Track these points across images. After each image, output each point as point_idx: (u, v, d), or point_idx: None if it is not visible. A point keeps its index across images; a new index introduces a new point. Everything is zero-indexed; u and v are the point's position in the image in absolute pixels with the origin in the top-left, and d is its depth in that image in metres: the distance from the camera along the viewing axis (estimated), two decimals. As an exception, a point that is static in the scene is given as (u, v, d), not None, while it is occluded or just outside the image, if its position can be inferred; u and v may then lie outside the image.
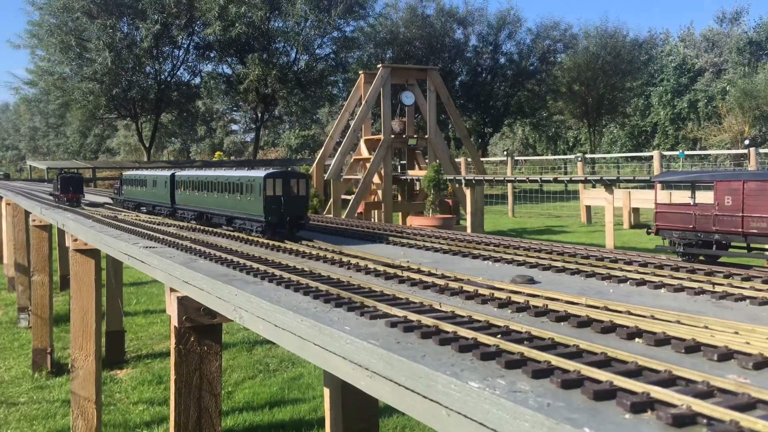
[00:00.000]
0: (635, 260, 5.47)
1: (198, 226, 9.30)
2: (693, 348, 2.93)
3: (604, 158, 52.73)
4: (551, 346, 2.95)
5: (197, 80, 59.62)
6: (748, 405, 2.20)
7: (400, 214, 27.45)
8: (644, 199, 31.02)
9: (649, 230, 5.67)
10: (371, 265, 5.41)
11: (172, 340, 5.98)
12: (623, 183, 25.32)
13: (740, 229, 4.80)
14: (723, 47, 79.63)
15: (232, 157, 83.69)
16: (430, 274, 4.96)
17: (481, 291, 4.24)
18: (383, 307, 3.79)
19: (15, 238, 20.67)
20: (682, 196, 16.69)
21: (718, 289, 4.23)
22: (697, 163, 46.63)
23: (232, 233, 8.18)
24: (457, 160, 36.79)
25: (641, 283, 4.60)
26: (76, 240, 10.19)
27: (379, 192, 26.88)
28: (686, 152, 39.27)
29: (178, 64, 58.03)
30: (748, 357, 2.73)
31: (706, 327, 3.18)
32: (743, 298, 4.04)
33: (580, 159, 40.29)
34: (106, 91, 52.97)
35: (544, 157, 66.63)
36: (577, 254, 5.98)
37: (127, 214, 11.83)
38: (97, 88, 52.38)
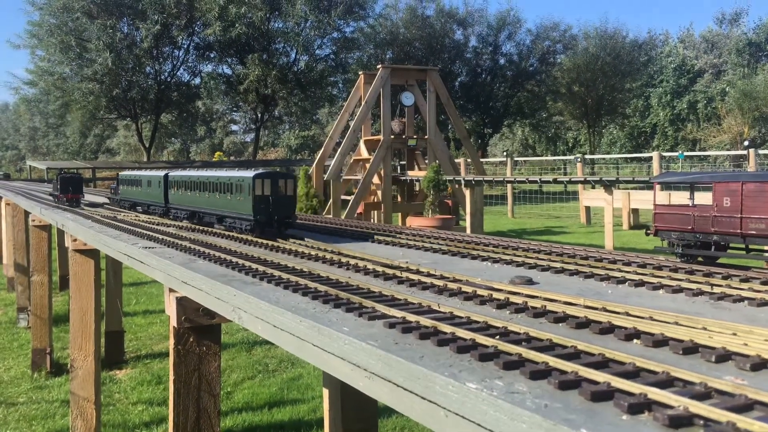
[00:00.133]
0: (634, 261, 5.48)
1: (197, 227, 9.31)
2: (691, 349, 2.93)
3: (604, 159, 52.76)
4: (549, 347, 2.95)
5: (197, 80, 59.66)
6: (745, 406, 2.20)
7: (399, 214, 27.46)
8: (643, 200, 31.02)
9: (648, 231, 5.67)
10: (370, 266, 5.42)
11: (171, 341, 5.98)
12: (623, 184, 25.34)
13: (739, 231, 4.81)
14: (722, 48, 79.67)
15: (232, 158, 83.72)
16: (428, 275, 4.96)
17: (480, 292, 4.24)
18: (382, 308, 3.80)
19: (14, 238, 20.67)
20: (681, 197, 16.69)
21: (716, 290, 4.24)
22: (696, 164, 46.64)
23: (230, 234, 8.19)
24: (456, 160, 36.81)
25: (640, 284, 4.60)
26: (75, 240, 10.20)
27: (379, 192, 26.89)
28: (686, 153, 39.29)
29: (178, 65, 58.06)
30: (746, 358, 2.73)
31: (705, 328, 3.18)
32: (741, 299, 4.04)
33: (579, 160, 40.30)
34: (106, 92, 52.97)
35: (543, 158, 66.64)
36: (575, 255, 5.98)
37: (126, 214, 11.84)
38: (97, 89, 52.38)
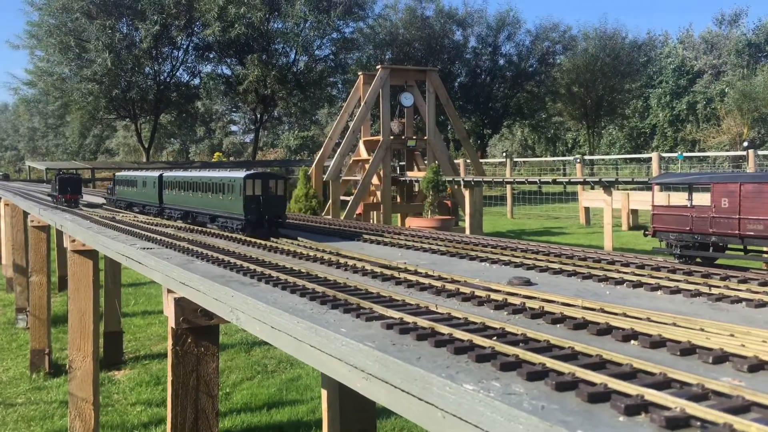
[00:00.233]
0: (632, 262, 5.47)
1: (195, 228, 9.32)
2: (688, 350, 2.93)
3: (603, 160, 52.79)
4: (547, 349, 2.95)
5: (196, 81, 59.62)
6: (743, 408, 2.20)
7: (399, 215, 27.46)
8: (643, 201, 31.04)
9: (646, 232, 5.67)
10: (368, 267, 5.41)
11: (169, 341, 5.97)
12: (622, 184, 25.36)
13: (737, 232, 4.81)
14: (722, 49, 79.74)
15: (231, 158, 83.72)
16: (427, 276, 4.96)
17: (478, 293, 4.24)
18: (379, 309, 3.79)
19: (13, 238, 20.66)
20: (680, 198, 16.69)
21: (714, 291, 4.23)
22: (695, 165, 46.66)
23: (228, 235, 8.19)
24: (456, 161, 36.82)
25: (638, 285, 4.60)
26: (74, 241, 10.19)
27: (378, 193, 26.89)
28: (685, 154, 39.30)
29: (177, 65, 58.04)
30: (744, 359, 2.73)
31: (702, 329, 3.18)
32: (739, 300, 4.04)
33: (578, 160, 40.32)
34: (106, 92, 52.94)
35: (543, 159, 66.67)
36: (574, 256, 5.98)
37: (125, 214, 11.84)
38: (97, 89, 52.35)
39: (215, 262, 5.96)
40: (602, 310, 3.64)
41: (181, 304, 5.79)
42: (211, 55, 58.18)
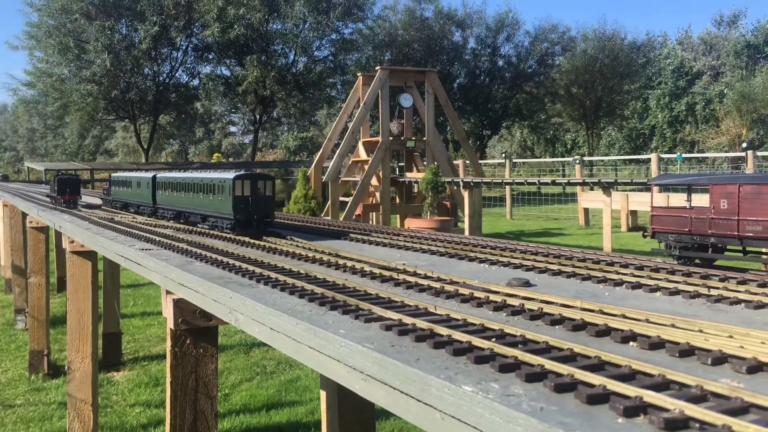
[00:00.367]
0: (631, 263, 5.47)
1: (194, 229, 9.32)
2: (687, 352, 2.93)
3: (602, 161, 52.81)
4: (545, 350, 2.95)
5: (196, 82, 59.65)
6: (741, 409, 2.20)
7: (398, 216, 27.46)
8: (642, 202, 31.06)
9: (645, 233, 5.67)
10: (367, 268, 5.41)
11: (168, 343, 5.97)
12: (621, 185, 25.37)
13: (736, 233, 4.81)
14: (721, 50, 79.82)
15: (231, 159, 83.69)
16: (426, 277, 4.95)
17: (477, 294, 4.24)
18: (378, 310, 3.79)
19: (12, 239, 20.64)
20: (679, 199, 16.71)
21: (713, 292, 4.23)
22: (695, 166, 46.68)
23: (228, 236, 8.20)
24: (455, 162, 36.81)
25: (637, 286, 4.60)
26: (72, 242, 10.18)
27: (377, 194, 26.89)
28: (684, 155, 39.32)
29: (176, 66, 58.05)
30: (742, 361, 2.73)
31: (701, 331, 3.17)
32: (738, 301, 4.04)
33: (578, 161, 40.34)
34: (105, 93, 52.95)
35: (542, 160, 66.70)
36: (573, 257, 5.98)
37: (124, 215, 11.85)
38: (96, 90, 52.35)
39: (214, 264, 5.95)
40: (601, 312, 3.64)
41: (180, 305, 5.78)
42: (211, 56, 58.22)
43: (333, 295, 4.25)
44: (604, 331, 3.30)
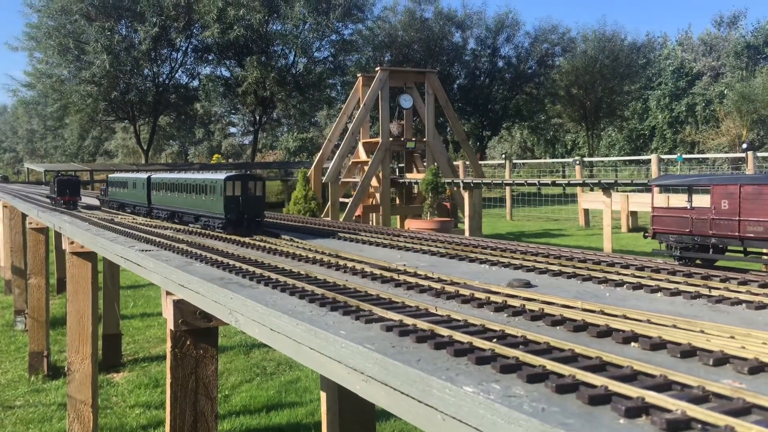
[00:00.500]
0: (632, 264, 5.47)
1: (195, 230, 9.32)
2: (689, 352, 2.92)
3: (602, 162, 52.81)
4: (546, 351, 2.94)
5: (195, 83, 59.69)
6: (743, 410, 2.19)
7: (398, 217, 27.46)
8: (642, 203, 31.07)
9: (646, 234, 5.67)
10: (368, 269, 5.40)
11: (168, 344, 5.96)
12: (621, 186, 25.37)
13: (737, 233, 4.80)
14: (721, 51, 79.86)
15: (230, 160, 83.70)
16: (426, 278, 4.95)
17: (478, 295, 4.23)
18: (379, 311, 3.78)
19: (12, 240, 20.64)
20: (679, 200, 16.71)
21: (714, 293, 4.22)
22: (695, 167, 46.70)
23: (228, 237, 8.20)
24: (455, 163, 36.82)
25: (638, 287, 4.59)
26: (72, 243, 10.18)
27: (377, 195, 26.89)
28: (684, 156, 39.33)
29: (176, 67, 58.07)
30: (744, 362, 2.72)
31: (702, 331, 3.17)
32: (739, 302, 4.03)
33: (578, 162, 40.33)
34: (105, 94, 52.96)
35: (542, 161, 66.71)
36: (573, 258, 5.97)
37: (124, 216, 11.85)
38: (95, 91, 52.37)
39: (214, 264, 5.95)
40: (602, 312, 3.63)
41: (180, 306, 5.78)
42: (210, 57, 58.25)
43: (333, 296, 4.25)
44: (606, 332, 3.30)
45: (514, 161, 50.56)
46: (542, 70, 66.62)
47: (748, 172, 27.97)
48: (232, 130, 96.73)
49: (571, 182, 25.00)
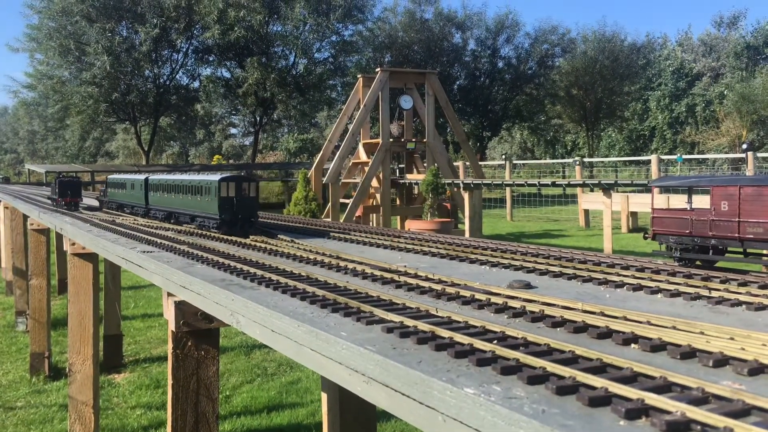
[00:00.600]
0: (632, 265, 5.47)
1: (195, 231, 9.34)
2: (688, 354, 2.93)
3: (602, 162, 52.81)
4: (547, 352, 2.95)
5: (196, 84, 59.73)
6: (743, 411, 2.20)
7: (398, 217, 27.47)
8: (642, 203, 31.08)
9: (646, 235, 5.67)
10: (368, 270, 5.41)
11: (170, 345, 5.97)
12: (621, 187, 25.37)
13: (737, 235, 4.81)
14: (721, 51, 79.84)
15: (231, 161, 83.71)
16: (427, 279, 4.96)
17: (478, 296, 4.24)
18: (380, 313, 3.79)
19: (13, 241, 20.65)
20: (679, 201, 16.72)
21: (714, 294, 4.23)
22: (695, 167, 46.70)
23: (229, 238, 8.21)
24: (455, 163, 36.84)
25: (638, 288, 4.60)
26: (74, 244, 10.19)
27: (378, 196, 26.90)
28: (684, 156, 39.33)
29: (177, 68, 58.11)
30: (744, 363, 2.73)
31: (702, 333, 3.18)
32: (739, 303, 4.04)
33: (578, 163, 40.33)
34: (105, 95, 52.99)
35: (542, 161, 66.71)
36: (574, 259, 5.98)
37: (125, 217, 11.87)
38: (96, 92, 52.39)
39: (215, 266, 5.96)
40: (602, 314, 3.64)
41: (182, 307, 5.79)
42: (211, 58, 58.28)
43: (334, 297, 4.26)
44: (606, 333, 3.31)
45: (514, 162, 50.57)
46: (542, 70, 66.63)
47: (748, 173, 27.98)
48: (233, 131, 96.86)
49: (571, 183, 24.98)
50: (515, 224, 38.89)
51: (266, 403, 12.38)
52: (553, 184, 24.68)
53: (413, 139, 27.97)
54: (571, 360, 2.83)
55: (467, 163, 36.54)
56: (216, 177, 8.63)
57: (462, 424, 2.52)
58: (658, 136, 78.23)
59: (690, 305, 4.11)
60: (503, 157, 65.92)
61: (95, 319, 10.45)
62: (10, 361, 16.06)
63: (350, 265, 5.70)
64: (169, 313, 5.89)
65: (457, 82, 66.13)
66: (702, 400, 2.32)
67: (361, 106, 27.17)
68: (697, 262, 5.29)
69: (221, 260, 6.11)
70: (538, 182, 24.89)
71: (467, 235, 22.06)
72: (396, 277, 5.05)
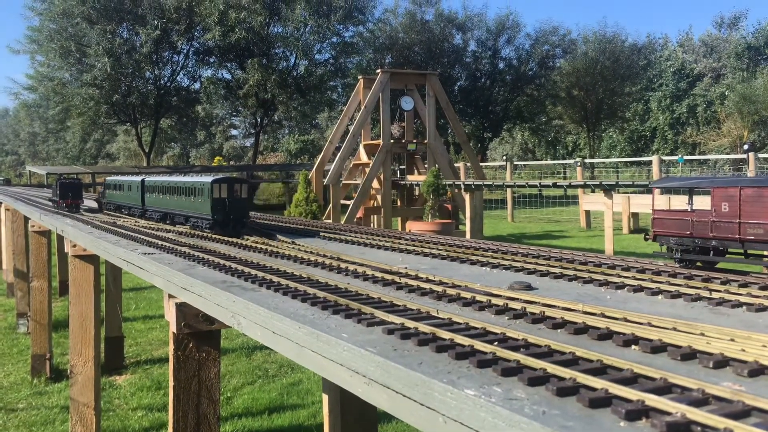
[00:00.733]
0: (633, 266, 5.48)
1: (195, 233, 9.35)
2: (689, 355, 2.93)
3: (604, 163, 52.80)
4: (548, 354, 2.95)
5: (197, 85, 59.76)
6: (743, 412, 2.21)
7: (399, 218, 27.46)
8: (643, 204, 31.06)
9: (647, 236, 5.68)
10: (369, 272, 5.42)
11: (171, 346, 5.98)
12: (622, 188, 25.35)
13: (737, 236, 4.81)
14: (722, 52, 79.78)
15: (232, 162, 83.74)
16: (427, 281, 4.96)
17: (479, 297, 4.24)
18: (381, 314, 3.80)
19: (14, 243, 20.67)
20: (680, 202, 16.71)
21: (714, 295, 4.24)
22: (696, 168, 46.68)
23: (230, 240, 8.22)
24: (456, 165, 36.82)
25: (638, 289, 4.60)
26: (75, 246, 10.20)
27: (379, 197, 26.90)
28: (685, 157, 39.31)
29: (177, 70, 58.17)
30: (744, 364, 2.73)
31: (703, 334, 3.18)
32: (740, 304, 4.04)
33: (579, 164, 40.31)
34: (106, 97, 53.04)
35: (543, 162, 66.70)
36: (574, 260, 5.99)
37: (126, 219, 11.89)
38: (97, 94, 52.44)
39: (216, 268, 5.97)
40: (603, 315, 3.65)
41: (183, 309, 5.80)
42: (212, 60, 58.31)
43: (335, 299, 4.26)
44: (606, 335, 3.31)
45: (515, 163, 50.56)
46: (543, 71, 66.62)
47: (750, 174, 27.97)
48: (234, 132, 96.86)
49: (572, 184, 24.96)
50: (516, 225, 38.87)
51: (267, 404, 12.39)
52: (554, 185, 24.68)
53: (414, 141, 27.98)
54: (572, 361, 2.83)
55: (468, 164, 36.54)
56: (209, 179, 8.85)
57: (463, 426, 2.53)
58: (659, 136, 78.18)
59: (691, 306, 4.11)
60: (504, 158, 65.91)
61: (96, 320, 10.45)
62: (11, 362, 16.07)
63: (351, 267, 5.71)
64: (171, 314, 5.90)
65: (458, 83, 66.12)
66: (702, 401, 2.33)
67: (362, 108, 27.18)
68: (698, 264, 5.29)
69: (222, 262, 6.12)
70: (539, 183, 24.90)
71: (468, 236, 22.06)
72: (397, 279, 5.05)
